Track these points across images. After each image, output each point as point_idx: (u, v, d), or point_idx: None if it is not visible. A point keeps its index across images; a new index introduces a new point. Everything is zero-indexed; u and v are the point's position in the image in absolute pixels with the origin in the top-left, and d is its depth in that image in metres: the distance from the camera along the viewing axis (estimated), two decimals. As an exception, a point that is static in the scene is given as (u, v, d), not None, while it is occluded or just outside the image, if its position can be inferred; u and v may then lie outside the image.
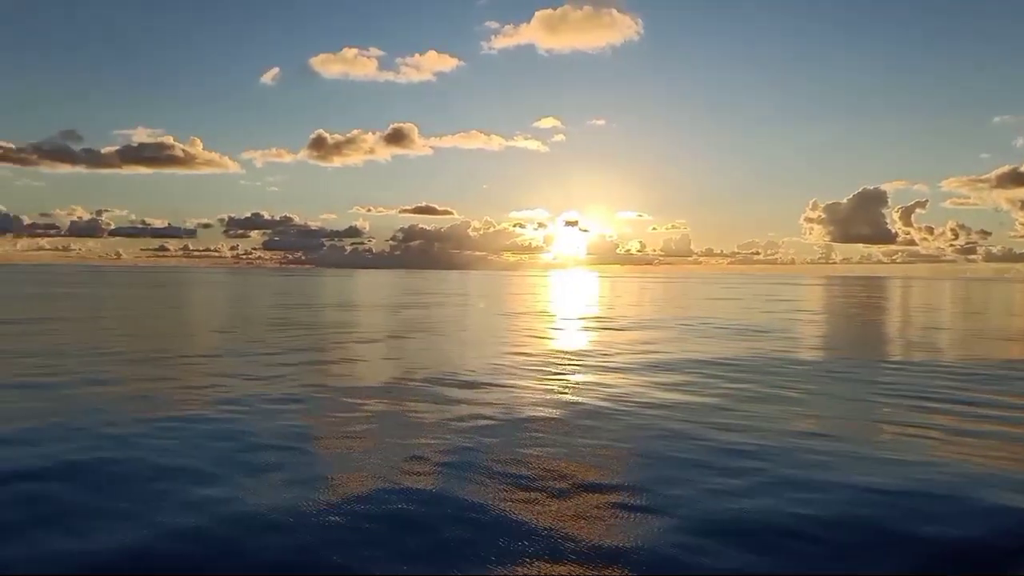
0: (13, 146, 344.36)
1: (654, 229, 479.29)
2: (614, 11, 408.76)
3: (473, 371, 13.72)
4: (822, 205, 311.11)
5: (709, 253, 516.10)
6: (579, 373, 13.86)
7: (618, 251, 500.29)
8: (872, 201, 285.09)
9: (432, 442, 8.03)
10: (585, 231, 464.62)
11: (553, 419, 9.41)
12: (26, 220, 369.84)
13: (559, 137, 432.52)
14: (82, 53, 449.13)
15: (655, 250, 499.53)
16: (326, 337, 20.63)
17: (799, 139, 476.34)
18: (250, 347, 17.55)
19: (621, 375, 13.60)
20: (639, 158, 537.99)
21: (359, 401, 10.48)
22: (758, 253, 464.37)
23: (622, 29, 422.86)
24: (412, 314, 32.33)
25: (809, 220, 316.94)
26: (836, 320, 33.92)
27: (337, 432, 8.55)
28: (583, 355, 17.08)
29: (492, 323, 28.67)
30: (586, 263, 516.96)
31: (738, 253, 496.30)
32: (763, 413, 9.96)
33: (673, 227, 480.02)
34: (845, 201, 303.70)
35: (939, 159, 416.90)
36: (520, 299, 50.60)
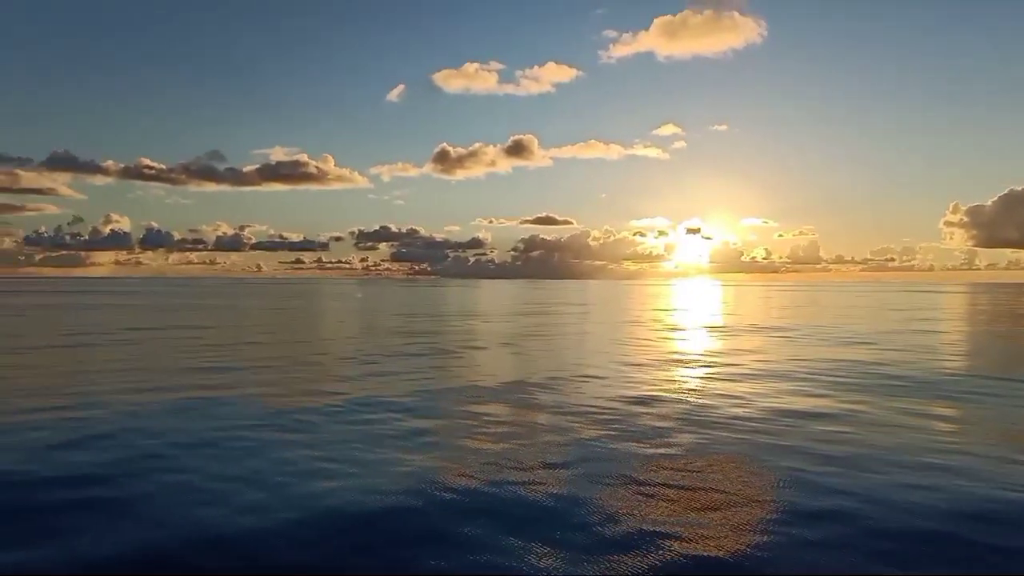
0: (165, 167, 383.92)
1: (780, 236, 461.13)
2: (736, 14, 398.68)
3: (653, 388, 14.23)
4: (964, 208, 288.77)
5: (839, 260, 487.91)
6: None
7: (742, 259, 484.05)
8: (1020, 203, 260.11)
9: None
10: (708, 239, 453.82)
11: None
12: (176, 236, 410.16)
13: (679, 144, 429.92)
14: (224, 79, 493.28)
15: (781, 257, 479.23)
16: (524, 336, 22.08)
17: (937, 139, 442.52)
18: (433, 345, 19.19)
19: (769, 384, 13.90)
20: (763, 163, 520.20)
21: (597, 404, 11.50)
22: (893, 260, 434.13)
23: (744, 32, 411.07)
24: (554, 320, 33.43)
25: (949, 224, 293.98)
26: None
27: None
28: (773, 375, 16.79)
29: (652, 337, 29.13)
30: (709, 271, 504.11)
31: (871, 260, 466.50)
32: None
33: (800, 233, 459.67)
34: (990, 203, 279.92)
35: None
36: (649, 308, 50.43)
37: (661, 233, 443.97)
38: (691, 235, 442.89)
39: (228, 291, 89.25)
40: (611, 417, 9.78)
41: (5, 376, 14.04)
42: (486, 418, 9.73)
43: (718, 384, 13.00)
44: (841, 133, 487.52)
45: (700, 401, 11.11)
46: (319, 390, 12.07)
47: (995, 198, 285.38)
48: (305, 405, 10.62)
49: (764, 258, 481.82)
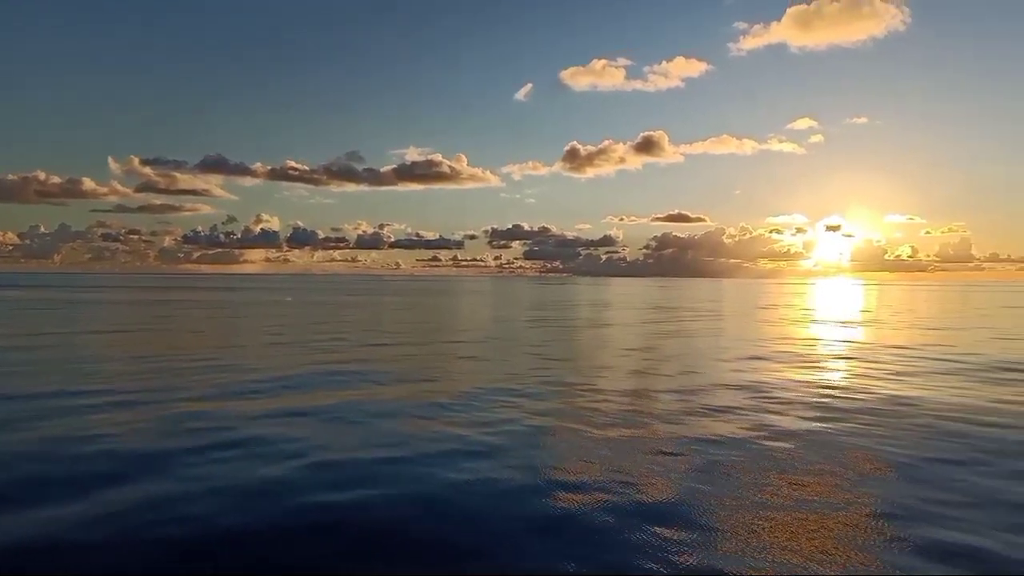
0: (307, 168, 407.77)
1: (927, 233, 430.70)
2: (876, 1, 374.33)
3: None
4: None
5: (994, 258, 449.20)
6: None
7: (886, 257, 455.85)
8: None
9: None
10: (849, 236, 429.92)
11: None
12: (320, 234, 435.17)
13: (816, 138, 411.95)
14: (358, 82, 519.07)
15: (929, 256, 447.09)
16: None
17: None
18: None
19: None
20: (907, 157, 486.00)
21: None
22: None
23: (885, 19, 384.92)
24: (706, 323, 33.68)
25: None
26: None
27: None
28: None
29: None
30: (850, 270, 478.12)
31: None
32: None
33: (950, 230, 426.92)
34: None
35: None
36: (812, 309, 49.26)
37: (799, 230, 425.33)
38: (831, 232, 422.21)
39: (404, 289, 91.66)
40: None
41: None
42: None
43: None
44: (992, 124, 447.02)
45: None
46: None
47: None
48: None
49: (910, 256, 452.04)
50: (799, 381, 14.15)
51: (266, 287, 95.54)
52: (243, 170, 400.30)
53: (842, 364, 17.24)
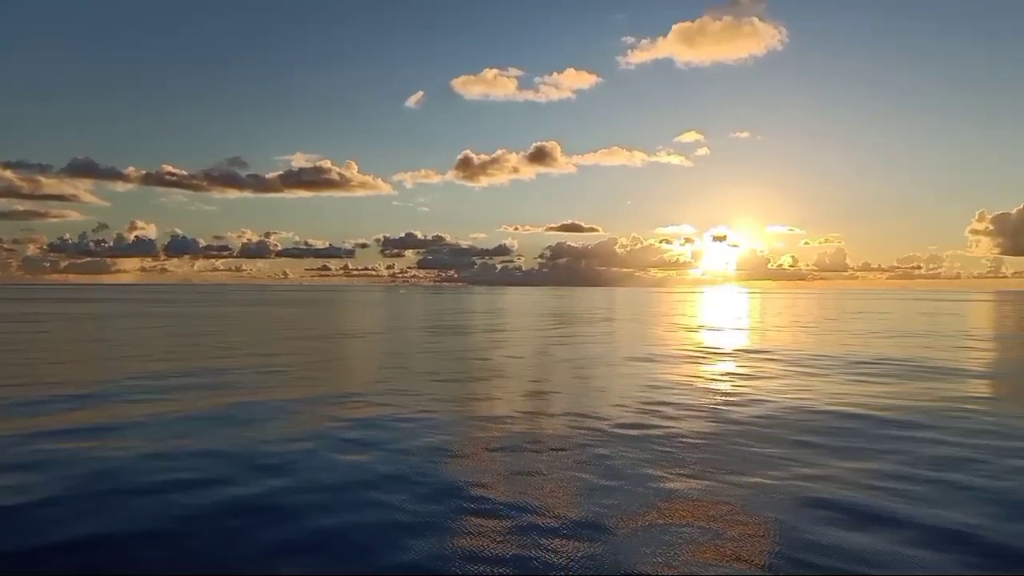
0: (186, 173, 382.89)
1: (806, 243, 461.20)
2: (756, 20, 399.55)
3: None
4: (990, 216, 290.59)
5: (866, 268, 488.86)
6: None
7: (769, 266, 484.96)
8: None
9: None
10: (735, 246, 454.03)
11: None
12: (201, 243, 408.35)
13: (702, 151, 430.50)
14: (242, 84, 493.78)
15: (808, 265, 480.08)
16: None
17: (962, 146, 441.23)
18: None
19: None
20: (788, 170, 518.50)
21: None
22: (919, 267, 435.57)
23: (764, 38, 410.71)
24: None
25: (975, 232, 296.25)
26: None
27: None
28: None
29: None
30: (736, 279, 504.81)
31: (898, 267, 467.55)
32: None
33: (827, 241, 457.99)
34: (1016, 211, 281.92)
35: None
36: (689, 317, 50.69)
37: (687, 240, 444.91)
38: (717, 242, 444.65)
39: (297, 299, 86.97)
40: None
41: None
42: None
43: None
44: (865, 140, 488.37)
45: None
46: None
47: (1021, 206, 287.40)
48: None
49: (791, 266, 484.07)
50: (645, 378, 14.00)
51: (135, 299, 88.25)
52: (115, 175, 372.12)
53: (706, 364, 17.76)
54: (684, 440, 8.58)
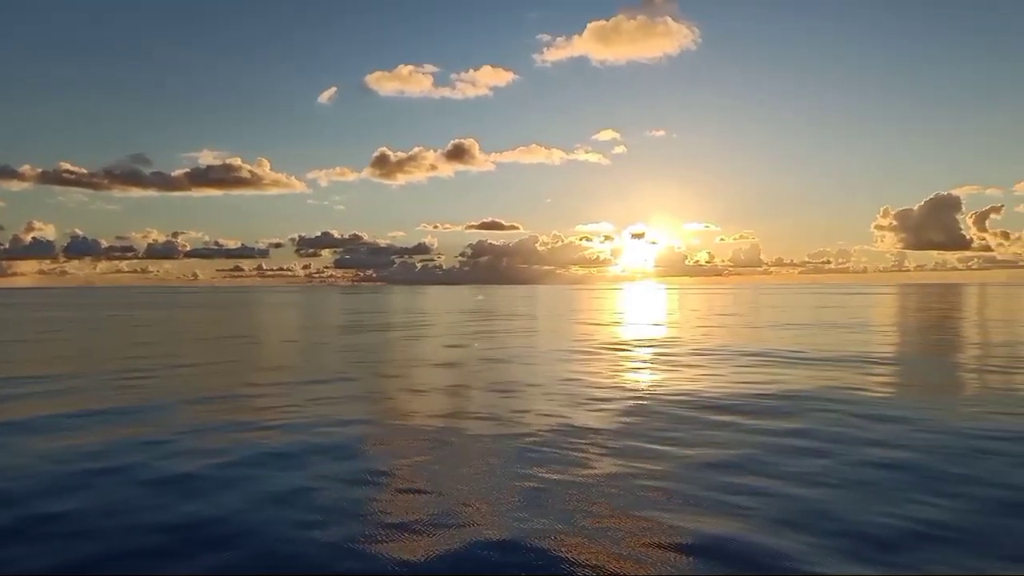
0: (86, 171, 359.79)
1: (722, 240, 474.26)
2: (669, 20, 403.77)
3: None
4: (893, 212, 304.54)
5: (779, 263, 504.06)
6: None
7: (687, 263, 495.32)
8: (945, 207, 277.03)
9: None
10: (653, 243, 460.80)
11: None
12: (104, 243, 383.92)
13: (620, 149, 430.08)
14: (144, 78, 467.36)
15: (724, 261, 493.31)
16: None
17: (868, 145, 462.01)
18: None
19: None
20: (703, 168, 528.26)
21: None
22: (829, 262, 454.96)
23: (678, 38, 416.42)
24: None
25: (880, 228, 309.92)
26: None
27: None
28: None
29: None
30: (655, 275, 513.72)
31: (809, 262, 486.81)
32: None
33: (741, 237, 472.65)
34: (917, 208, 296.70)
35: (1013, 162, 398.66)
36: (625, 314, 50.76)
37: (607, 238, 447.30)
38: (636, 240, 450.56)
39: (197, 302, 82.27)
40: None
41: None
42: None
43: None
44: (776, 138, 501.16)
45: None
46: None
47: (922, 202, 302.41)
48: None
49: (707, 262, 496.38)
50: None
51: (28, 303, 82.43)
52: (9, 173, 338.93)
53: (612, 356, 17.50)
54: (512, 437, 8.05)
